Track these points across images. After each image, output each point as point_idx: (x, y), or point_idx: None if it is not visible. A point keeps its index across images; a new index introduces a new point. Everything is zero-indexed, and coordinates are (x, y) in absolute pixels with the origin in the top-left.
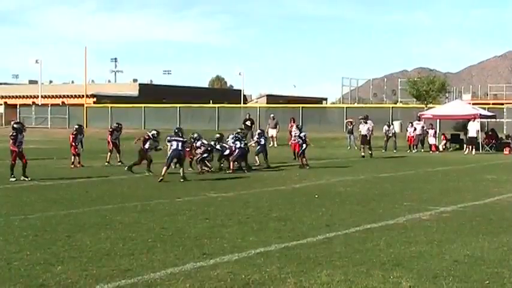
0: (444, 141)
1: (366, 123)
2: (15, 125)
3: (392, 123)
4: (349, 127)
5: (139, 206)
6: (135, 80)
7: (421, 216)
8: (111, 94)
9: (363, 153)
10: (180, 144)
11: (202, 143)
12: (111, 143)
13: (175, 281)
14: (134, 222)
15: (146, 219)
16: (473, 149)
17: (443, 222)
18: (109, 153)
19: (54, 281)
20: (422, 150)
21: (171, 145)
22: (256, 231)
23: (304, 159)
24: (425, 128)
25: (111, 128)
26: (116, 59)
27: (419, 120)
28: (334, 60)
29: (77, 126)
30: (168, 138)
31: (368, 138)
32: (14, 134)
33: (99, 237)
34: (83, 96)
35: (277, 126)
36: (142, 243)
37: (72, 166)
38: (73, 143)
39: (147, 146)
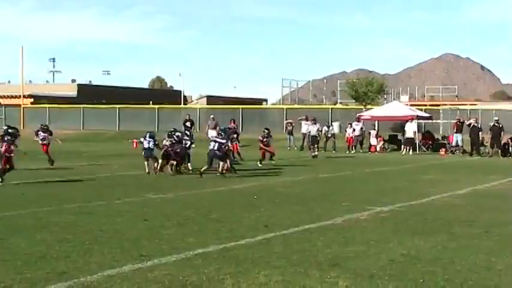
0: (382, 142)
1: (316, 124)
2: (10, 130)
3: (331, 124)
4: (289, 128)
5: (77, 208)
6: (73, 81)
7: (358, 216)
8: (49, 94)
9: (316, 153)
10: (217, 145)
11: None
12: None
13: (112, 283)
14: (71, 224)
15: (84, 221)
16: (411, 150)
17: (380, 222)
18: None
19: None
20: (361, 150)
21: (209, 145)
22: (195, 233)
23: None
24: (363, 129)
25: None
26: (54, 59)
27: (358, 122)
28: (274, 62)
29: (5, 127)
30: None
31: (318, 139)
32: (12, 139)
33: (35, 240)
34: (19, 96)
35: (217, 127)
36: (79, 245)
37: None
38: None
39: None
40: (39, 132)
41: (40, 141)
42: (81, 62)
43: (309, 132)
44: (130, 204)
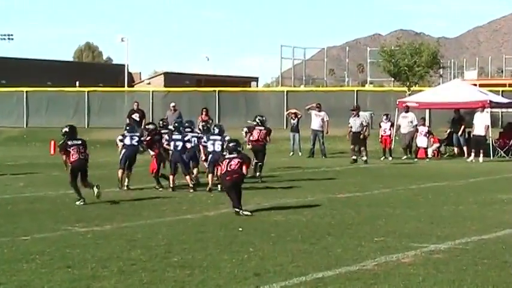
0: (436, 144)
1: (358, 116)
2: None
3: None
4: (292, 121)
5: None
6: None
7: (400, 258)
8: None
9: (364, 157)
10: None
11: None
12: None
13: None
14: None
15: None
16: (481, 155)
17: (433, 268)
18: None
19: None
20: (406, 156)
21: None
22: (146, 286)
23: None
24: (413, 124)
25: None
26: None
27: (406, 112)
28: (268, 23)
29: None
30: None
31: (362, 136)
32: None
33: None
34: None
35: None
36: None
37: None
38: None
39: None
40: None
41: None
42: None
43: (350, 127)
44: (44, 242)
